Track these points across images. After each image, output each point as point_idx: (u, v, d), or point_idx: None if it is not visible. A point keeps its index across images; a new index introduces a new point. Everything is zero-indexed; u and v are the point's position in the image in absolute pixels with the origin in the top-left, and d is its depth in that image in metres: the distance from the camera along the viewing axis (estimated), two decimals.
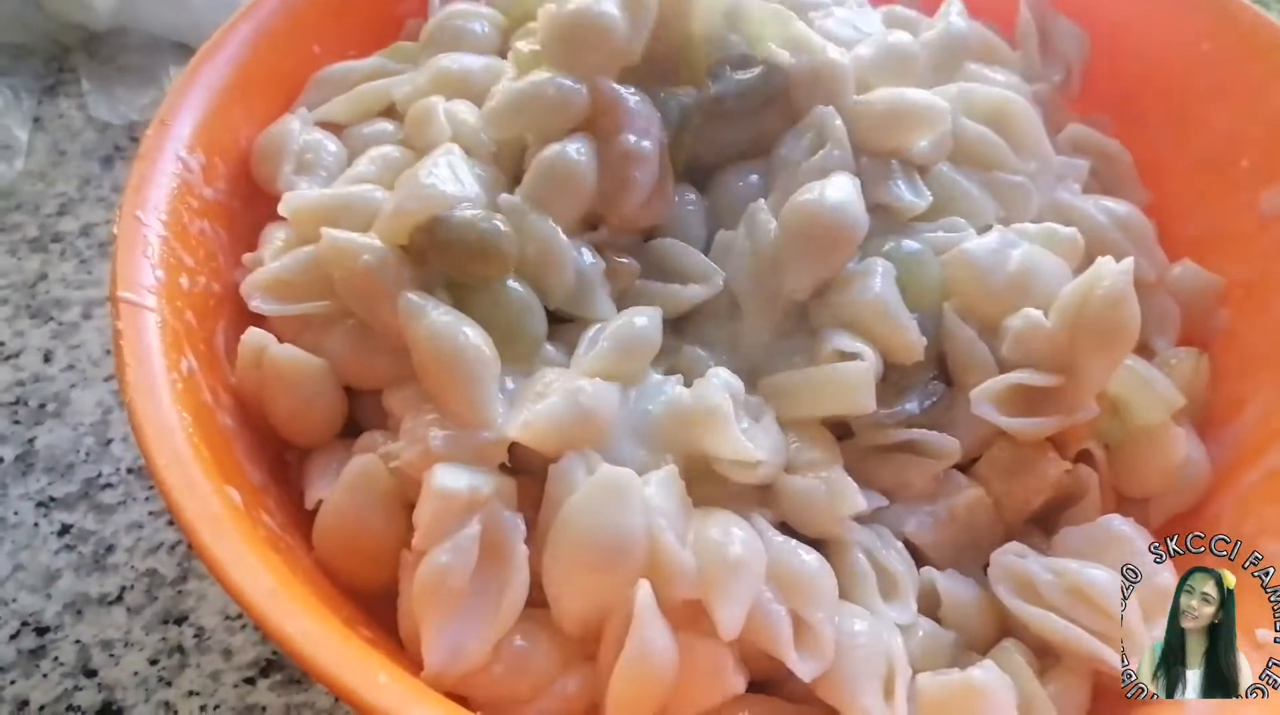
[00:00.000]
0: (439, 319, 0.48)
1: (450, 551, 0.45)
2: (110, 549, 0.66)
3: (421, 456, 0.48)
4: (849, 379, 0.52)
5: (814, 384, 0.53)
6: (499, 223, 0.51)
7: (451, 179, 0.52)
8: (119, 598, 0.64)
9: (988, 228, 0.58)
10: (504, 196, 0.53)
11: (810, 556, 0.49)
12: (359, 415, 0.55)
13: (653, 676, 0.44)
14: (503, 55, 0.65)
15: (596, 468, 0.47)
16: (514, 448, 0.48)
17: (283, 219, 0.56)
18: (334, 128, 0.65)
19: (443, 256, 0.50)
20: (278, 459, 0.55)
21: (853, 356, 0.52)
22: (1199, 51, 0.68)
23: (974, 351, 0.55)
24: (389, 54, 0.68)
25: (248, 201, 0.60)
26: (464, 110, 0.59)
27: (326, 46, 0.67)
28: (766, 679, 0.49)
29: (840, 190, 0.54)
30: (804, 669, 0.46)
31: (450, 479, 0.46)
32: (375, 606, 0.50)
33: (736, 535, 0.47)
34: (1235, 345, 0.64)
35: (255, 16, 0.63)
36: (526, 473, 0.49)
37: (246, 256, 0.58)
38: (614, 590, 0.45)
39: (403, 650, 0.48)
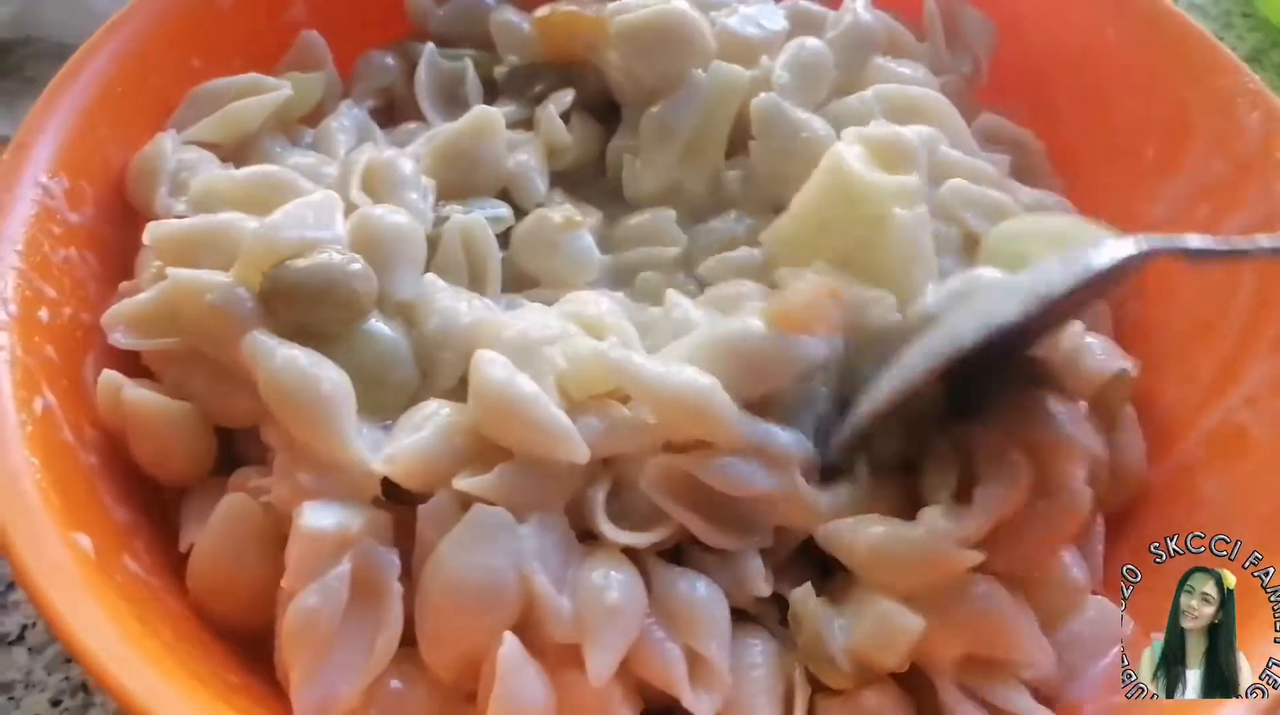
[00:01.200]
0: (283, 356, 0.46)
1: (318, 593, 0.43)
2: (10, 586, 0.63)
3: (292, 492, 0.46)
4: None
5: None
6: (355, 265, 0.49)
7: (311, 221, 0.50)
8: (20, 637, 0.61)
9: None
10: None
11: (701, 586, 0.48)
12: (240, 449, 0.53)
13: None
14: None
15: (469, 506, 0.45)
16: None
17: None
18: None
19: (286, 303, 0.48)
20: (153, 496, 0.53)
21: None
22: (1103, 38, 0.67)
23: None
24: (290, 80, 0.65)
25: (122, 225, 0.58)
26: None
27: (207, 59, 0.64)
28: (665, 707, 0.47)
29: None
30: (701, 707, 0.45)
31: (318, 517, 0.44)
32: (259, 648, 0.48)
33: (615, 579, 0.45)
34: (1144, 337, 0.63)
35: (123, 31, 0.60)
36: (407, 504, 0.47)
37: (123, 285, 0.56)
38: (485, 635, 0.44)
39: (282, 694, 0.46)
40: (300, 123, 0.67)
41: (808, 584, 0.49)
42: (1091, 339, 0.58)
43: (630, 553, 0.48)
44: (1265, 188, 0.56)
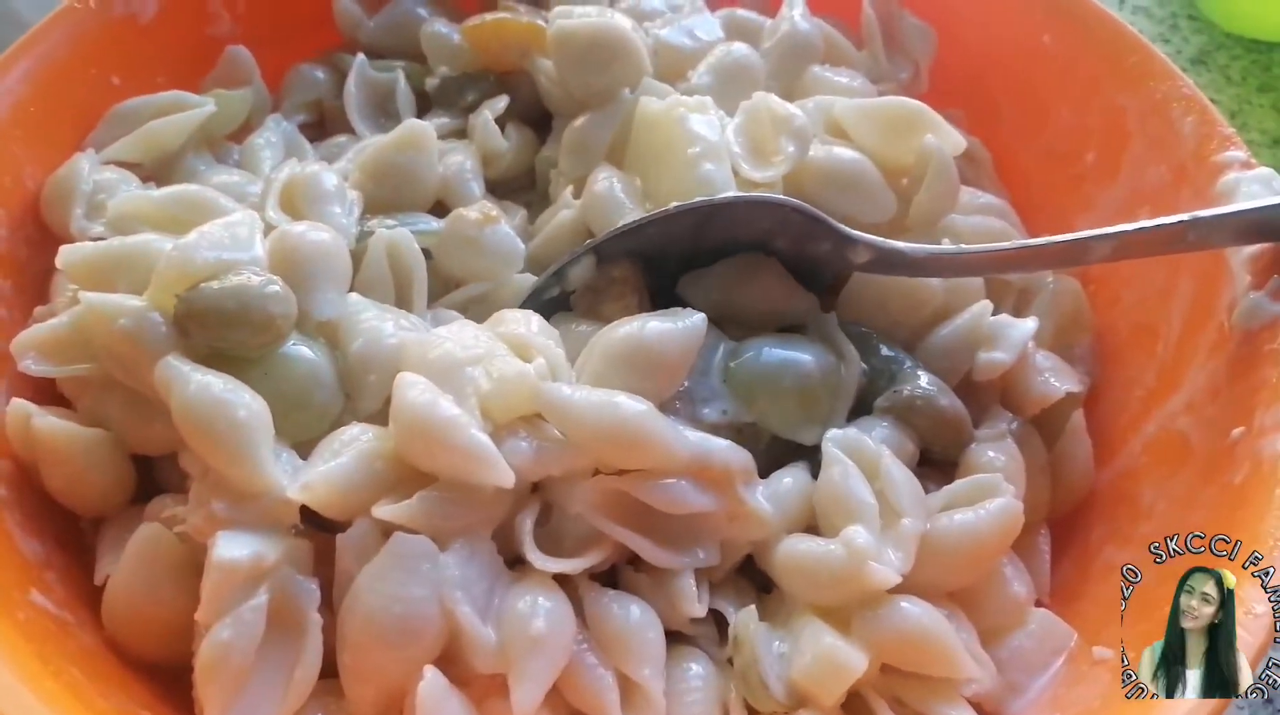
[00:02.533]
0: (197, 382, 0.45)
1: (232, 626, 0.42)
2: None
3: (207, 522, 0.44)
4: None
5: None
6: (272, 287, 0.47)
7: (227, 242, 0.48)
8: None
9: None
10: None
11: (634, 610, 0.47)
12: (162, 476, 0.51)
13: None
14: None
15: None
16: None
17: None
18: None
19: (199, 327, 0.46)
20: (69, 527, 0.51)
21: None
22: (1040, 44, 0.66)
23: None
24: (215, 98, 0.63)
25: (38, 248, 0.56)
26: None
27: (128, 76, 0.62)
28: None
29: None
30: None
31: (232, 548, 0.43)
32: (179, 682, 0.46)
33: (542, 607, 0.44)
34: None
35: (38, 47, 0.58)
36: (332, 531, 0.46)
37: (38, 310, 0.54)
38: (407, 669, 0.42)
39: None
40: (229, 139, 0.65)
41: (751, 607, 0.48)
42: (1041, 357, 0.58)
43: (561, 576, 0.46)
44: (1199, 193, 0.56)
